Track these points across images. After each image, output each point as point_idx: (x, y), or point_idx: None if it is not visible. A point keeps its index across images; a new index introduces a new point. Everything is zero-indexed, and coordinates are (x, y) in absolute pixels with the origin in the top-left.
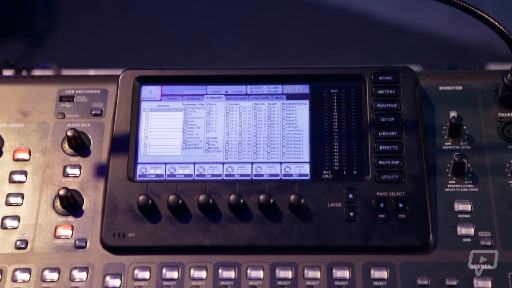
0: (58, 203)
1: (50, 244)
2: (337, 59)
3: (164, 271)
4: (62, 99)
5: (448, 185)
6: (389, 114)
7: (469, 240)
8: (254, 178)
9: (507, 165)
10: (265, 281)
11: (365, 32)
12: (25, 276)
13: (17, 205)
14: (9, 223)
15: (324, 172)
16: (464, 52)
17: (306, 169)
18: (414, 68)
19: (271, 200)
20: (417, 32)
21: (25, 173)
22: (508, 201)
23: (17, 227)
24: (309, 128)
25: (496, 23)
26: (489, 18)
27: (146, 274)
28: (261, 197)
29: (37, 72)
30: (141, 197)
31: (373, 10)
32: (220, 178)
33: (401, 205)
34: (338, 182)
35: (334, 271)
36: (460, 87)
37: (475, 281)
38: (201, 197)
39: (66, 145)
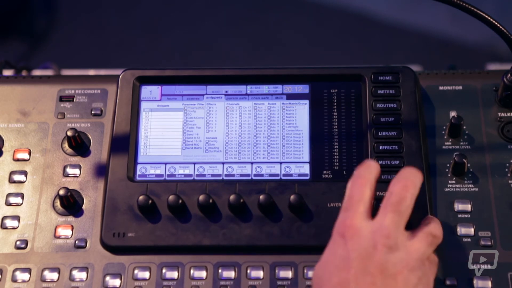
0: (58, 203)
1: (50, 244)
2: (337, 59)
3: (164, 271)
4: (62, 99)
5: (448, 185)
6: (389, 114)
7: (469, 240)
8: (254, 178)
9: (507, 165)
10: (265, 281)
11: (365, 32)
12: (25, 276)
13: (17, 205)
14: (9, 223)
15: (324, 172)
16: (464, 52)
17: (306, 169)
18: (414, 68)
19: (271, 200)
20: (417, 32)
21: (25, 173)
22: (508, 201)
23: (17, 227)
24: (309, 128)
25: (496, 23)
26: (489, 18)
27: (146, 274)
28: (261, 197)
29: (37, 72)
30: (141, 197)
31: (373, 10)
32: (220, 178)
33: None
34: (338, 182)
35: None
36: (460, 87)
37: (475, 281)
38: (201, 197)
39: (66, 145)
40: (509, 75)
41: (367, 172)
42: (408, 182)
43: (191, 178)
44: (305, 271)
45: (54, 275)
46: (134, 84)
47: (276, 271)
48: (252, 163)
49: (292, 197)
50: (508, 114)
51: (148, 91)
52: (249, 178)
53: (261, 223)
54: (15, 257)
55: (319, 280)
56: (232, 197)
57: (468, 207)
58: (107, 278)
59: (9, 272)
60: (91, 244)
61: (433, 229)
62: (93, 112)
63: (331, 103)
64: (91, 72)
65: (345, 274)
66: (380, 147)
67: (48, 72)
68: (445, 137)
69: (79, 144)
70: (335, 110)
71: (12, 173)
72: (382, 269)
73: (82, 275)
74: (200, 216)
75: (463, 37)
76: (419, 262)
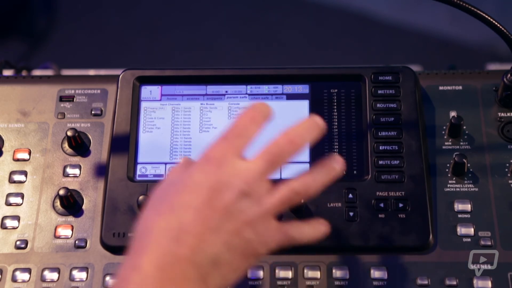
0: (58, 203)
1: (50, 244)
2: (337, 59)
3: None
4: (62, 99)
5: (448, 185)
6: (389, 114)
7: (469, 240)
8: None
9: (507, 165)
10: (265, 281)
11: (365, 32)
12: (25, 276)
13: (17, 205)
14: (9, 223)
15: None
16: (464, 52)
17: (306, 169)
18: (414, 68)
19: None
20: (417, 32)
21: (25, 173)
22: (508, 201)
23: (17, 227)
24: None
25: (496, 23)
26: (489, 18)
27: None
28: None
29: (37, 72)
30: (141, 197)
31: (373, 10)
32: None
33: (401, 205)
34: (338, 182)
35: (334, 271)
36: (460, 87)
37: (475, 281)
38: None
39: (66, 145)
40: (509, 75)
41: (263, 110)
42: (296, 138)
43: None
44: (305, 271)
45: (54, 275)
46: (134, 84)
47: (276, 271)
48: None
49: None
50: (508, 114)
51: (148, 91)
52: None
53: None
54: (15, 257)
55: (158, 199)
56: None
57: (468, 207)
58: (107, 278)
59: (9, 272)
60: (91, 244)
61: (299, 185)
62: (93, 112)
63: (331, 103)
64: (91, 72)
65: (192, 199)
66: (380, 147)
67: (48, 72)
68: (445, 137)
69: (79, 144)
70: (335, 110)
71: (12, 173)
72: (225, 210)
73: (82, 275)
74: None
75: (463, 37)
76: (266, 218)
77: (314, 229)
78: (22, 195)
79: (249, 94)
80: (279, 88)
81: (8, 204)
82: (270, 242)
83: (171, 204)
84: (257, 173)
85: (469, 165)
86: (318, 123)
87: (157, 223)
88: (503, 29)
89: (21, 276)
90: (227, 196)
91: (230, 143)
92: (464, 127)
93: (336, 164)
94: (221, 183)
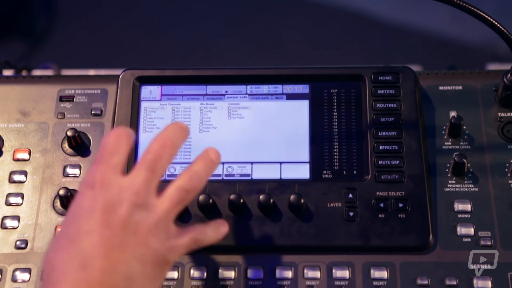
0: (58, 203)
1: None
2: (337, 59)
3: None
4: (62, 99)
5: (448, 185)
6: (389, 114)
7: (469, 240)
8: (254, 178)
9: (507, 165)
10: (265, 281)
11: (365, 32)
12: (25, 276)
13: (17, 205)
14: (9, 223)
15: (324, 172)
16: (464, 52)
17: (306, 169)
18: (414, 68)
19: (271, 200)
20: (417, 32)
21: (25, 173)
22: (508, 201)
23: (17, 227)
24: (309, 128)
25: (496, 23)
26: (489, 18)
27: None
28: (261, 197)
29: (37, 72)
30: None
31: (373, 10)
32: (220, 178)
33: (401, 205)
34: (338, 182)
35: (334, 271)
36: (460, 87)
37: (475, 281)
38: (201, 197)
39: (66, 145)
40: (509, 75)
41: (124, 129)
42: (167, 142)
43: None
44: (305, 271)
45: None
46: (134, 84)
47: (276, 271)
48: (252, 163)
49: (292, 197)
50: (508, 114)
51: (148, 91)
52: (249, 178)
53: (261, 223)
54: (15, 257)
55: (57, 237)
56: (232, 197)
57: (468, 207)
58: None
59: (9, 272)
60: None
61: (185, 182)
62: (93, 112)
63: (331, 103)
64: (91, 72)
65: (88, 225)
66: (380, 147)
67: (48, 72)
68: (445, 137)
69: (79, 144)
70: (335, 110)
71: (12, 173)
72: (124, 225)
73: None
74: (200, 216)
75: (463, 37)
76: (164, 223)
77: (215, 230)
78: (22, 195)
79: (249, 94)
80: (279, 88)
81: (8, 204)
82: (176, 247)
83: (69, 236)
84: (142, 183)
85: (469, 165)
86: (182, 126)
87: (59, 257)
88: (503, 29)
89: (21, 276)
90: (121, 212)
91: (106, 163)
92: (464, 127)
93: (212, 155)
94: (111, 202)
